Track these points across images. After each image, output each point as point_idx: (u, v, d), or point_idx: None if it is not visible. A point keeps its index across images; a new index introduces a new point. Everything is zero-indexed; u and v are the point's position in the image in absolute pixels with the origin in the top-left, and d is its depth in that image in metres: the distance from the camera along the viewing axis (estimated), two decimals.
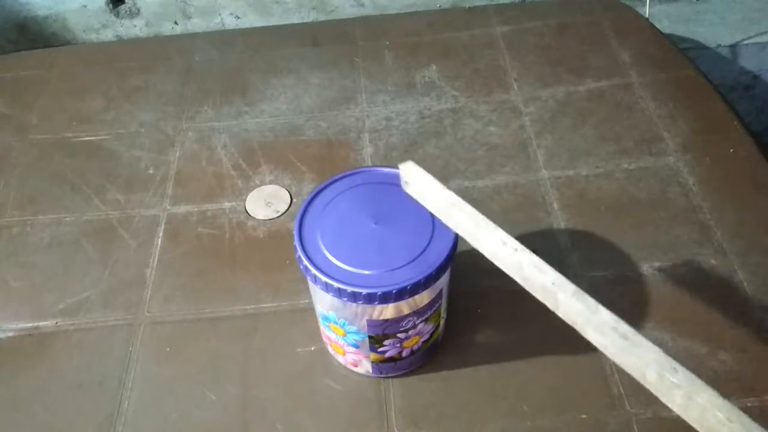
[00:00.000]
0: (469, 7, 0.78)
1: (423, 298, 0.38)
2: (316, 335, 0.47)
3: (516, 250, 0.31)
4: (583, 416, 0.42)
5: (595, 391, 0.43)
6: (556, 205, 0.55)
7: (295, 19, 0.82)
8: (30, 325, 0.49)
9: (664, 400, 0.27)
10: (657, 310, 0.47)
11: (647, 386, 0.28)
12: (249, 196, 0.57)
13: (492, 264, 0.51)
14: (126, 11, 0.81)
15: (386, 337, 0.40)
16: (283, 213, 0.56)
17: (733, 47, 0.85)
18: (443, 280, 0.39)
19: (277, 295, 0.50)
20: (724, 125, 0.61)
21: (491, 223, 0.33)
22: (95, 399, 0.45)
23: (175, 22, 0.82)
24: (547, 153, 0.59)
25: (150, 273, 0.52)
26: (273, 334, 0.48)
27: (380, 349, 0.41)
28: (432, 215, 0.39)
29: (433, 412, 0.43)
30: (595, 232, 0.53)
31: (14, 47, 0.83)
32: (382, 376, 0.45)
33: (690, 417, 0.26)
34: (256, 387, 0.45)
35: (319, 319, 0.43)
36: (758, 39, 0.84)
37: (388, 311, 0.38)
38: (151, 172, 0.60)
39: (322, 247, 0.38)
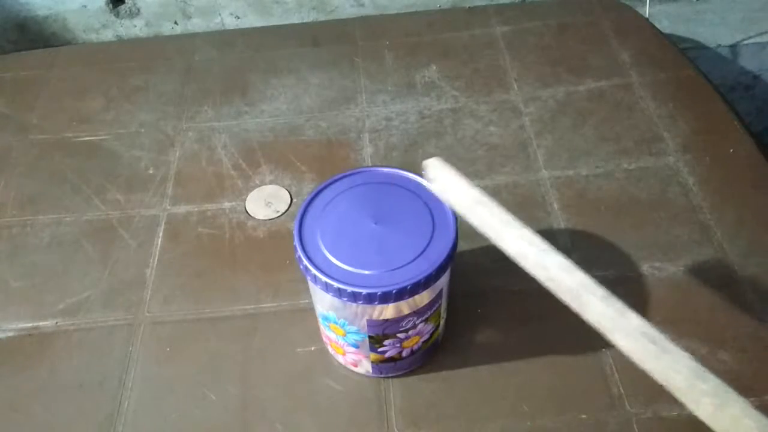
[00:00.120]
0: (469, 7, 0.78)
1: (423, 298, 0.38)
2: (316, 335, 0.47)
3: (543, 250, 0.30)
4: (583, 416, 0.42)
5: (595, 391, 0.43)
6: (556, 205, 0.55)
7: (295, 19, 0.82)
8: (30, 325, 0.49)
9: (691, 407, 0.26)
10: (657, 310, 0.47)
11: (674, 393, 0.27)
12: (249, 196, 0.57)
13: (492, 264, 0.51)
14: (126, 11, 0.81)
15: (386, 337, 0.40)
16: (283, 213, 0.56)
17: (733, 47, 0.85)
18: (443, 280, 0.39)
19: (277, 295, 0.50)
20: (724, 125, 0.61)
21: (517, 221, 0.32)
22: (95, 399, 0.45)
23: (175, 22, 0.82)
24: (547, 153, 0.59)
25: (150, 273, 0.52)
26: (273, 334, 0.48)
27: (380, 349, 0.41)
28: (432, 215, 0.39)
29: (433, 412, 0.43)
30: (595, 232, 0.53)
31: (14, 47, 0.83)
32: (382, 376, 0.45)
33: (718, 426, 0.26)
34: (256, 387, 0.45)
35: (319, 319, 0.43)
36: (758, 39, 0.84)
37: (388, 311, 0.38)
38: (151, 172, 0.60)
39: (322, 247, 0.38)
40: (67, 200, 0.58)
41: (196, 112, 0.66)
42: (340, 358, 0.45)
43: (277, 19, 0.82)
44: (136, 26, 0.82)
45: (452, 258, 0.38)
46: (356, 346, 0.42)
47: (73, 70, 0.72)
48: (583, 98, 0.64)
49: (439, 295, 0.40)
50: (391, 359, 0.43)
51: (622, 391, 0.43)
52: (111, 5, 0.80)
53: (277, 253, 0.53)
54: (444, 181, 0.35)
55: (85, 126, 0.65)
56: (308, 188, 0.58)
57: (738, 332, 0.46)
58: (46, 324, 0.49)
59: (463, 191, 0.34)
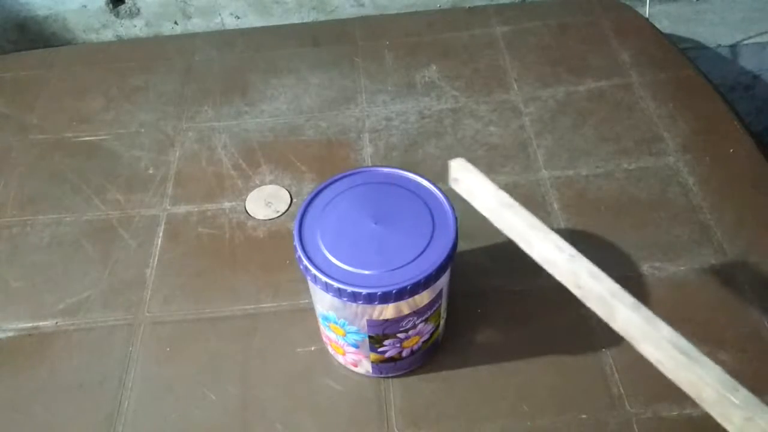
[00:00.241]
0: (469, 7, 0.78)
1: (423, 298, 0.38)
2: (316, 335, 0.47)
3: (572, 256, 0.30)
4: (583, 416, 0.42)
5: (595, 391, 0.43)
6: (556, 205, 0.55)
7: (295, 19, 0.82)
8: (30, 325, 0.49)
9: (719, 419, 0.26)
10: (657, 310, 0.47)
11: (702, 404, 0.26)
12: (249, 196, 0.57)
13: (492, 264, 0.51)
14: (126, 11, 0.81)
15: (386, 337, 0.40)
16: (283, 213, 0.56)
17: (733, 47, 0.85)
18: (443, 280, 0.39)
19: (277, 295, 0.50)
20: (724, 125, 0.61)
21: (546, 226, 0.31)
22: (95, 399, 0.45)
23: (175, 22, 0.82)
24: (547, 153, 0.59)
25: (150, 273, 0.52)
26: (273, 334, 0.48)
27: (380, 349, 0.41)
28: (432, 215, 0.39)
29: (433, 412, 0.43)
30: (595, 232, 0.53)
31: (14, 47, 0.83)
32: (382, 376, 0.45)
33: None
34: (256, 387, 0.45)
35: (319, 319, 0.43)
36: (758, 39, 0.84)
37: (388, 311, 0.38)
38: (151, 172, 0.60)
39: (322, 247, 0.38)
40: (67, 200, 0.58)
41: (196, 112, 0.66)
42: (340, 358, 0.45)
43: (277, 19, 0.82)
44: (136, 26, 0.82)
45: (452, 258, 0.38)
46: (356, 346, 0.42)
47: (73, 70, 0.72)
48: (583, 98, 0.64)
49: (439, 295, 0.40)
50: (391, 359, 0.43)
51: (622, 391, 0.43)
52: (111, 5, 0.80)
53: (277, 253, 0.53)
54: (469, 183, 0.34)
55: (85, 126, 0.65)
56: (308, 188, 0.58)
57: (738, 332, 0.46)
58: (46, 324, 0.49)
59: (489, 193, 0.33)
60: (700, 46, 0.85)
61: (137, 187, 0.59)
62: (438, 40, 0.72)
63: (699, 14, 0.83)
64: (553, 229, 0.53)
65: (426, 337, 0.42)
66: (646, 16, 0.76)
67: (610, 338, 0.46)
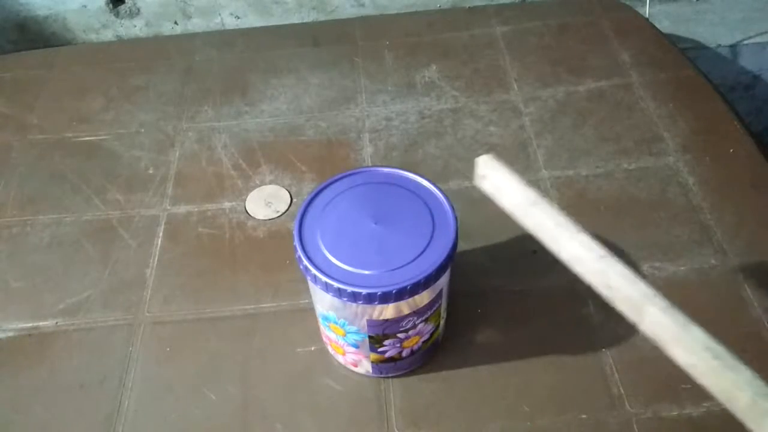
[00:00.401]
0: (469, 7, 0.78)
1: (423, 298, 0.38)
2: (316, 335, 0.47)
3: (602, 256, 0.29)
4: (583, 416, 0.42)
5: (595, 391, 0.43)
6: (556, 205, 0.55)
7: (295, 19, 0.82)
8: (30, 325, 0.49)
9: (752, 426, 0.25)
10: None
11: (734, 410, 0.26)
12: (249, 196, 0.57)
13: (492, 264, 0.51)
14: (126, 11, 0.81)
15: (386, 337, 0.40)
16: (283, 213, 0.56)
17: (733, 47, 0.85)
18: (443, 280, 0.39)
19: (277, 295, 0.50)
20: (724, 125, 0.61)
21: (574, 225, 0.30)
22: (95, 399, 0.45)
23: (175, 22, 0.82)
24: (547, 153, 0.59)
25: (150, 273, 0.52)
26: (273, 334, 0.48)
27: (380, 349, 0.41)
28: (432, 215, 0.39)
29: (433, 412, 0.43)
30: (595, 232, 0.52)
31: (14, 47, 0.83)
32: (382, 376, 0.45)
33: None
34: (256, 387, 0.45)
35: (319, 319, 0.43)
36: (758, 39, 0.84)
37: (388, 311, 0.38)
38: (151, 172, 0.60)
39: (322, 247, 0.38)
40: (67, 200, 0.58)
41: (196, 112, 0.66)
42: (340, 358, 0.45)
43: (277, 19, 0.82)
44: (136, 26, 0.82)
45: (452, 258, 0.38)
46: (356, 346, 0.42)
47: (73, 70, 0.72)
48: (583, 98, 0.64)
49: (439, 295, 0.40)
50: (391, 359, 0.43)
51: (622, 391, 0.43)
52: (111, 5, 0.80)
53: (277, 253, 0.53)
54: (496, 181, 0.33)
55: (85, 126, 0.65)
56: (308, 188, 0.58)
57: (738, 332, 0.46)
58: (46, 324, 0.49)
59: (517, 191, 0.32)
60: (700, 46, 0.85)
61: (137, 187, 0.59)
62: (438, 40, 0.72)
63: (699, 14, 0.83)
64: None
65: (426, 337, 0.42)
66: (646, 16, 0.76)
67: (610, 338, 0.46)
